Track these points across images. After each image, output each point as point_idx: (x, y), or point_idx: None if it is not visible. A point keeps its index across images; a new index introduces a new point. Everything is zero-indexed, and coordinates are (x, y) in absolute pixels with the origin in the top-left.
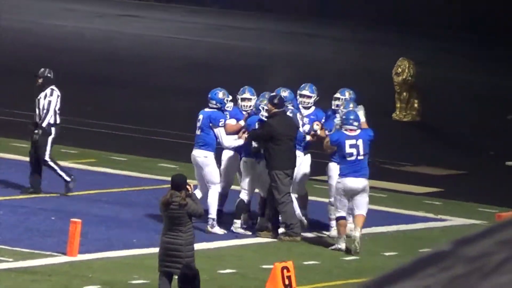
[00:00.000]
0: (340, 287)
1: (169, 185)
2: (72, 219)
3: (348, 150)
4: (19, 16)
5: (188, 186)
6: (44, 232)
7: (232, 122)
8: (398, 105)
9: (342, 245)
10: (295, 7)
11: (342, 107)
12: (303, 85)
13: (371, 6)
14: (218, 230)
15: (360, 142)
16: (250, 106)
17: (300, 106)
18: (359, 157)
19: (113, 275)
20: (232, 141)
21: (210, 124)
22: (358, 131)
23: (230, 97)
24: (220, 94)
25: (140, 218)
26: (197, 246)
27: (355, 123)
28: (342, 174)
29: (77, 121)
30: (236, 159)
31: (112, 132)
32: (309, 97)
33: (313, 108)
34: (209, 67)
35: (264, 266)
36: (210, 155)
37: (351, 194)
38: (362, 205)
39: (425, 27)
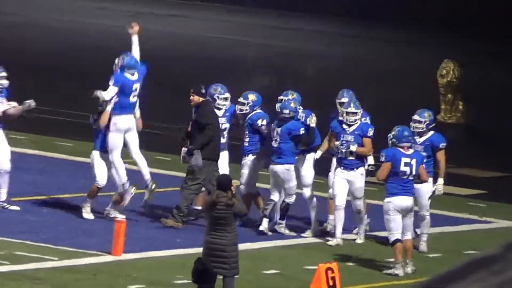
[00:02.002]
0: None
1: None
2: (117, 219)
3: (402, 168)
4: (59, 16)
5: (232, 186)
6: (89, 231)
7: None
8: (443, 106)
9: (400, 271)
10: (332, 8)
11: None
12: (347, 102)
13: (416, 8)
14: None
15: (414, 162)
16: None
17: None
18: (410, 177)
19: (157, 274)
20: None
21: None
22: (411, 150)
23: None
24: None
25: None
26: (241, 246)
27: (410, 139)
28: (391, 193)
29: None
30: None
31: (156, 132)
32: (355, 113)
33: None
34: (254, 67)
35: (308, 267)
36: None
37: (402, 214)
38: (409, 227)
39: (470, 29)
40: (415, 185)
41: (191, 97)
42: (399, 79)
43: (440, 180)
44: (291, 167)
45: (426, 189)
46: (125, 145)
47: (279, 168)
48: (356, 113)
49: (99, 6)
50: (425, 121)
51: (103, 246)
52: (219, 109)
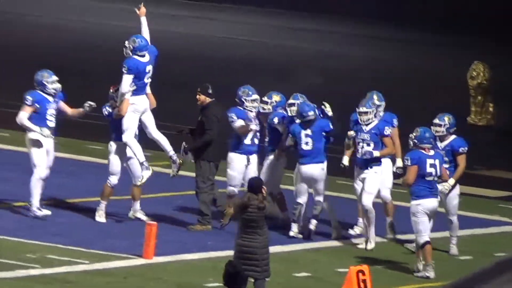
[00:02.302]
0: None
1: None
2: (148, 222)
3: (428, 169)
4: (91, 18)
5: (263, 189)
6: (120, 234)
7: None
8: (473, 108)
9: (431, 273)
10: (360, 10)
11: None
12: (362, 102)
13: (446, 10)
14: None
15: (437, 163)
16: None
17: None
18: (435, 178)
19: (188, 277)
20: None
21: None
22: (433, 151)
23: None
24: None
25: (215, 221)
26: (272, 249)
27: (431, 140)
28: (419, 195)
29: None
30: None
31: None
32: (366, 113)
33: (382, 114)
34: (283, 70)
35: (339, 270)
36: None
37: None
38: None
39: (500, 31)
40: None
41: (198, 96)
42: (428, 81)
43: (451, 180)
44: (325, 165)
45: (453, 193)
46: (142, 126)
47: (314, 168)
48: (367, 112)
49: (122, 8)
50: (444, 125)
51: (134, 249)
52: (250, 111)
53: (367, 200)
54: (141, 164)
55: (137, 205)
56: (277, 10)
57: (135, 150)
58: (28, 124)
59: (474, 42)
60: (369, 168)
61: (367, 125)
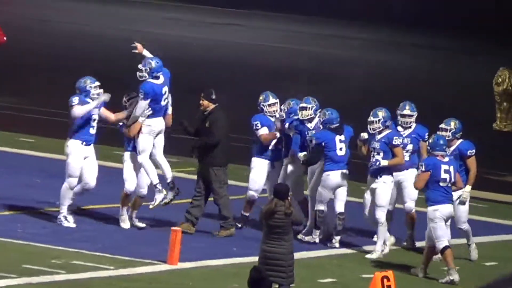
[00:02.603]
0: None
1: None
2: (172, 228)
3: (443, 175)
4: (126, 26)
5: (289, 195)
6: (144, 240)
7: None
8: (498, 115)
9: (455, 276)
10: (391, 17)
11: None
12: (402, 103)
13: (471, 16)
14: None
15: (452, 169)
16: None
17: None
18: (449, 184)
19: (212, 283)
20: None
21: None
22: (447, 158)
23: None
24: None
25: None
26: (297, 255)
27: (445, 148)
28: (436, 201)
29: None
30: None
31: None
32: (410, 116)
33: (414, 125)
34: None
35: (364, 276)
36: None
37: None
38: None
39: None
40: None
41: (201, 102)
42: (454, 88)
43: (468, 187)
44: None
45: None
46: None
47: (345, 174)
48: (373, 122)
49: (165, 16)
50: (450, 129)
51: (159, 255)
52: (272, 116)
53: (380, 215)
54: (155, 186)
55: (134, 214)
56: (304, 17)
57: (149, 172)
58: (86, 107)
59: (499, 48)
60: (378, 177)
61: (379, 134)
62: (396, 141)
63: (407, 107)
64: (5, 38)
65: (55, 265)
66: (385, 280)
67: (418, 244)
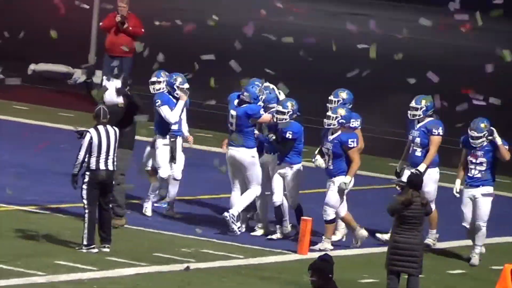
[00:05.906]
0: None
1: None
2: (303, 217)
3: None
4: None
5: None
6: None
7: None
8: None
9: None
10: None
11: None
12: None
13: None
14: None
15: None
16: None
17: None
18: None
19: (342, 273)
20: None
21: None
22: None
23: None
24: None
25: (371, 217)
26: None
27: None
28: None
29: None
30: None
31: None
32: (416, 109)
33: (427, 119)
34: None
35: (493, 267)
36: None
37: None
38: None
39: None
40: (475, 195)
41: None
42: None
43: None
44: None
45: (485, 201)
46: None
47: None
48: (417, 108)
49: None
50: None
51: (289, 245)
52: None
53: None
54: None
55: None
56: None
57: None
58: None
59: None
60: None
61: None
62: (438, 129)
63: (414, 100)
64: (142, 30)
65: (185, 253)
66: None
67: None
